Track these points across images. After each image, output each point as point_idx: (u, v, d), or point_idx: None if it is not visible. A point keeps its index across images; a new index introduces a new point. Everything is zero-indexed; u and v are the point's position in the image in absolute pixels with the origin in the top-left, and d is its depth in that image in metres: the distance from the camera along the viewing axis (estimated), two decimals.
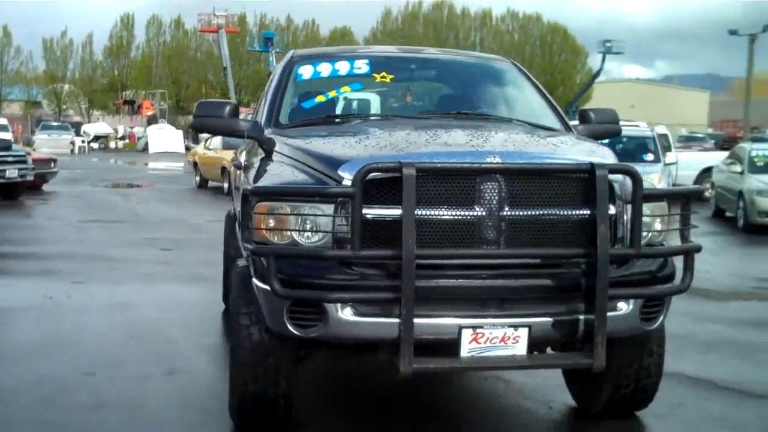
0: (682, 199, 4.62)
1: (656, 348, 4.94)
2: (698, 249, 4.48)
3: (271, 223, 4.28)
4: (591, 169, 4.18)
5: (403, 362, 4.04)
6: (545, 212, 4.24)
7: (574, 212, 4.27)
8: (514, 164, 4.23)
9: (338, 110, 5.70)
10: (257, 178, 4.77)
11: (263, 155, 5.26)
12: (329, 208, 4.18)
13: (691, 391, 5.82)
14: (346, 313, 4.14)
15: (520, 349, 4.22)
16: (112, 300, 8.52)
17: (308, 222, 4.24)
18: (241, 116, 5.63)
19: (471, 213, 4.16)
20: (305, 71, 5.92)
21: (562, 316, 4.26)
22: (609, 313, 4.18)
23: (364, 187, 4.02)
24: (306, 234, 4.24)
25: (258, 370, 4.61)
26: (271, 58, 62.95)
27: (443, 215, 4.13)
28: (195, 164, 23.61)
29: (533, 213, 4.22)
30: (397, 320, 4.08)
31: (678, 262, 4.52)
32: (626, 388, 5.00)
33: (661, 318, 4.55)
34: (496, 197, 4.16)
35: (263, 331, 4.56)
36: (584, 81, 69.96)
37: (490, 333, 4.18)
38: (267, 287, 4.23)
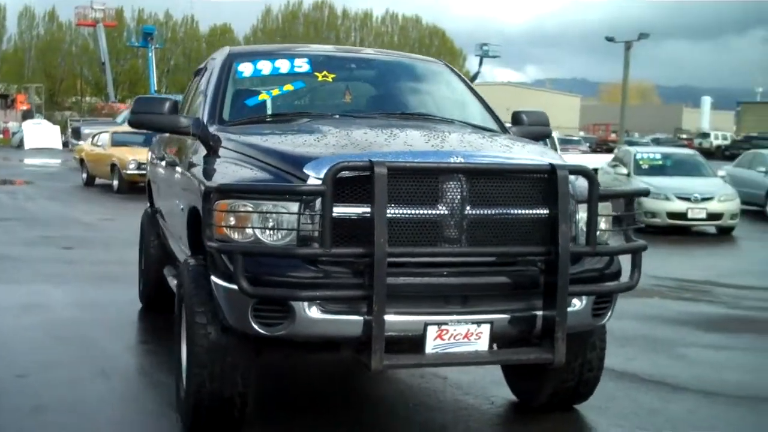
0: (626, 199, 4.81)
1: (599, 342, 5.13)
2: (645, 248, 4.68)
3: (233, 221, 4.26)
4: (552, 169, 4.31)
5: (375, 359, 4.08)
6: (506, 211, 4.35)
7: (533, 211, 4.39)
8: (479, 164, 4.34)
9: (282, 108, 5.67)
10: (212, 175, 4.72)
11: (206, 153, 5.22)
12: (294, 206, 4.19)
13: (620, 384, 6.04)
14: (313, 311, 4.15)
15: (483, 344, 4.32)
16: (26, 300, 8.26)
17: (272, 220, 4.23)
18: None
19: (436, 212, 4.23)
20: (245, 69, 5.87)
21: (521, 312, 4.37)
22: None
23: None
24: (269, 232, 4.24)
25: (215, 369, 4.57)
26: (150, 54, 61.78)
27: (410, 214, 4.18)
28: (81, 161, 22.97)
29: (495, 212, 4.32)
30: (363, 317, 4.13)
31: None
32: (570, 382, 5.17)
33: (609, 314, 4.72)
34: (459, 196, 4.24)
35: (220, 330, 4.53)
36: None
37: (454, 329, 4.26)
38: (231, 285, 4.21)
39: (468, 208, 4.26)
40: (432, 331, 4.24)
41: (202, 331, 4.56)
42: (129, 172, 19.85)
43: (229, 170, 4.65)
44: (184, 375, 4.99)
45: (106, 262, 10.67)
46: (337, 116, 5.49)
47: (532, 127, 6.09)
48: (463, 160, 4.32)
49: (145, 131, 24.54)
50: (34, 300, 8.29)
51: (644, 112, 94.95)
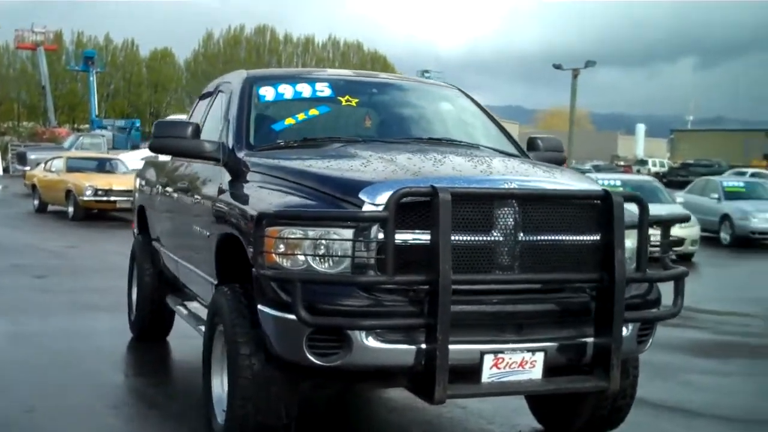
0: (664, 225, 4.83)
1: (632, 370, 5.11)
2: (687, 274, 4.70)
3: (284, 248, 4.16)
4: (607, 195, 4.30)
5: (438, 389, 4.00)
6: (559, 237, 4.32)
7: (585, 237, 4.37)
8: (537, 190, 4.33)
9: (309, 133, 5.58)
10: (253, 201, 4.59)
11: (234, 178, 5.12)
12: (349, 233, 4.11)
13: (640, 411, 6.00)
14: (371, 341, 4.07)
15: (537, 373, 4.28)
16: (14, 330, 8.02)
17: (326, 247, 4.14)
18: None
19: (492, 238, 4.18)
20: (267, 92, 5.79)
21: (572, 339, 4.34)
22: None
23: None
24: (322, 259, 4.15)
25: (260, 401, 4.45)
26: (91, 78, 60.88)
27: (468, 240, 4.13)
28: (33, 187, 22.45)
29: (548, 238, 4.30)
30: (421, 346, 4.06)
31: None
32: (604, 410, 5.15)
33: (651, 341, 4.72)
34: (514, 223, 4.21)
35: (264, 361, 4.43)
36: None
37: (510, 358, 4.21)
38: (283, 315, 4.11)
39: (522, 234, 4.23)
40: (488, 360, 4.18)
41: (246, 362, 4.44)
42: (85, 198, 19.43)
43: (272, 196, 4.55)
44: (216, 407, 4.88)
45: (83, 291, 10.40)
46: (368, 141, 5.43)
47: (548, 153, 6.10)
48: (517, 186, 4.30)
49: (100, 156, 24.38)
50: (23, 330, 8.06)
51: (580, 139, 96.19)
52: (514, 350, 4.22)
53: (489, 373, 4.20)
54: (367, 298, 4.10)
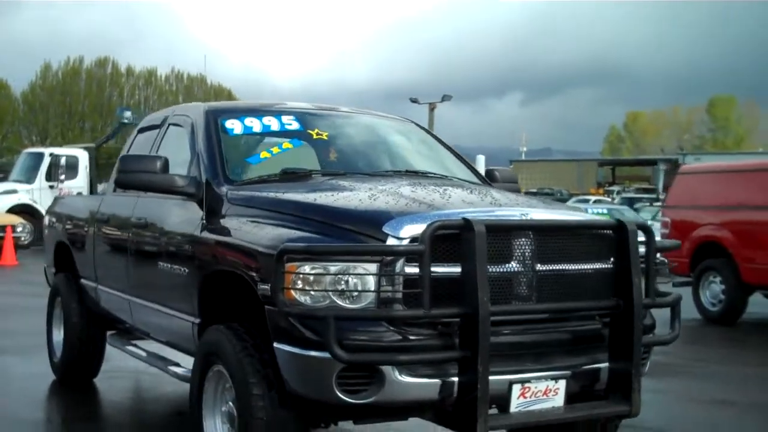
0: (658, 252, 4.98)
1: None
2: (681, 298, 4.86)
3: (305, 284, 4.05)
4: (621, 225, 4.40)
5: (481, 422, 3.96)
6: (574, 267, 4.39)
7: (598, 266, 4.46)
8: (557, 222, 4.41)
9: (286, 166, 5.46)
10: (265, 237, 4.42)
11: (220, 214, 4.95)
12: (373, 267, 4.04)
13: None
14: (403, 376, 4.00)
15: (559, 401, 4.31)
16: None
17: (349, 282, 4.05)
18: None
19: (513, 269, 4.21)
20: (234, 126, 5.65)
21: (589, 366, 4.40)
22: None
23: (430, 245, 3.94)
24: (344, 295, 4.05)
25: None
26: None
27: (494, 272, 4.14)
28: None
29: (564, 268, 4.36)
30: (452, 379, 4.03)
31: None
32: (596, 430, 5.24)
33: (648, 363, 4.84)
34: (530, 253, 4.25)
35: (278, 402, 4.28)
36: None
37: (535, 387, 4.23)
38: (309, 353, 4.01)
39: (538, 264, 4.27)
40: (516, 390, 4.18)
41: (260, 403, 4.29)
42: None
43: (279, 231, 4.39)
44: None
45: None
46: (352, 174, 5.37)
47: (506, 184, 6.21)
48: (532, 217, 4.35)
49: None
50: None
51: None
52: (538, 379, 4.24)
53: (516, 402, 4.20)
54: (396, 333, 4.04)
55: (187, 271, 5.11)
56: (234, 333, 4.50)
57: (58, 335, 7.83)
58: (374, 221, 4.20)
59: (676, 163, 47.90)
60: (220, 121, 5.64)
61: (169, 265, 5.36)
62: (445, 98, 44.23)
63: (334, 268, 4.03)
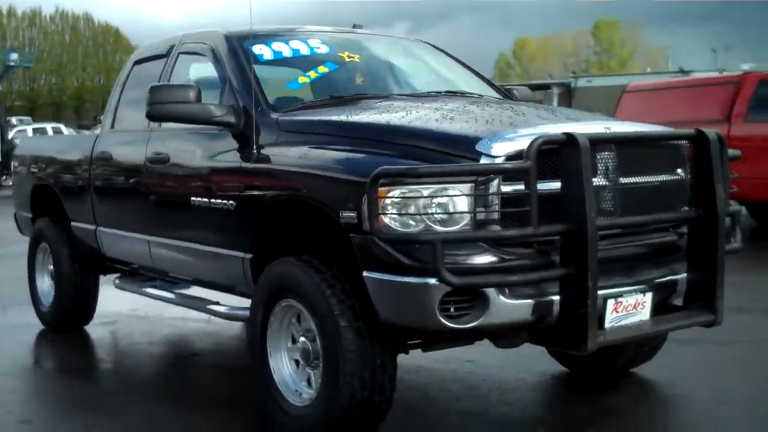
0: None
1: None
2: (742, 208, 4.88)
3: (400, 208, 3.89)
4: (701, 134, 4.35)
5: (591, 338, 3.90)
6: (653, 179, 4.35)
7: (675, 177, 4.43)
8: (640, 133, 4.36)
9: (326, 91, 5.24)
10: (348, 162, 4.19)
11: (275, 142, 4.72)
12: (467, 188, 3.90)
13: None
14: (506, 298, 3.89)
15: (646, 314, 4.27)
16: None
17: (444, 205, 3.90)
18: None
19: (602, 183, 4.13)
20: (263, 51, 5.38)
21: (669, 277, 4.39)
22: None
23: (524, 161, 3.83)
24: (441, 218, 3.90)
25: (365, 375, 4.17)
26: None
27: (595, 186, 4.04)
28: None
29: (645, 180, 4.30)
30: (553, 298, 3.96)
31: None
32: (647, 345, 5.28)
33: None
34: (615, 167, 4.18)
35: (365, 331, 4.15)
36: None
37: (626, 301, 4.18)
38: (410, 279, 3.86)
39: (621, 177, 4.21)
40: (610, 305, 4.12)
41: (348, 335, 4.14)
42: None
43: (360, 155, 4.20)
44: (284, 389, 4.53)
45: None
46: (402, 96, 5.20)
47: (528, 102, 6.12)
48: (614, 130, 4.27)
49: None
50: None
51: None
52: (629, 292, 4.20)
53: (610, 318, 4.15)
54: (497, 254, 3.93)
55: (234, 204, 4.86)
56: (309, 265, 4.32)
57: (43, 282, 7.50)
58: (465, 141, 4.04)
59: (568, 87, 48.59)
60: (247, 47, 5.36)
61: (207, 200, 5.09)
62: (355, 26, 43.48)
63: (427, 191, 3.88)
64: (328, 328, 4.19)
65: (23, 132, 30.03)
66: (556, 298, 3.96)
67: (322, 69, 5.32)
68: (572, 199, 3.88)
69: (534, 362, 5.70)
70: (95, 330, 7.30)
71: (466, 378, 5.59)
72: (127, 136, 6.20)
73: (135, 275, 6.57)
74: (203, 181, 5.20)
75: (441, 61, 6.13)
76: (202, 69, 5.84)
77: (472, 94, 5.53)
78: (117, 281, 6.57)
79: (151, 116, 5.00)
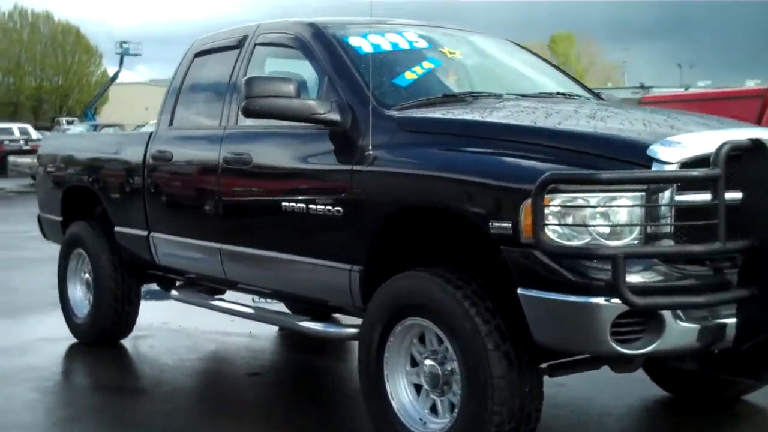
0: None
1: None
2: None
3: (568, 218, 3.49)
4: None
5: None
6: None
7: None
8: None
9: (435, 90, 4.82)
10: (500, 167, 3.79)
11: (395, 143, 4.28)
12: (638, 197, 3.50)
13: None
14: (682, 321, 3.50)
15: None
16: None
17: (612, 215, 3.51)
18: None
19: None
20: (360, 44, 4.93)
21: None
22: None
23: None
24: (607, 230, 3.51)
25: (514, 403, 3.75)
26: None
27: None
28: None
29: None
30: (727, 321, 3.57)
31: None
32: None
33: None
34: None
35: (515, 355, 3.74)
36: (101, 82, 68.86)
37: None
38: (578, 299, 3.45)
39: None
40: None
41: (497, 358, 3.72)
42: None
43: (513, 160, 3.77)
44: (403, 416, 4.10)
45: None
46: (521, 96, 4.81)
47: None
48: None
49: None
50: None
51: None
52: None
53: None
54: (669, 272, 3.54)
55: (342, 211, 4.41)
56: (446, 279, 3.89)
57: (76, 292, 6.99)
58: (633, 145, 3.66)
59: None
60: (343, 39, 4.92)
61: (304, 206, 4.63)
62: None
63: (593, 199, 3.48)
64: (471, 351, 3.76)
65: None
66: (730, 321, 3.57)
67: (427, 65, 4.88)
68: (757, 211, 3.50)
69: (626, 386, 5.30)
70: (132, 344, 6.81)
71: (571, 403, 5.17)
72: (192, 135, 5.71)
73: (192, 286, 6.08)
74: (299, 184, 4.75)
75: (531, 60, 5.73)
76: (283, 63, 5.42)
77: (582, 96, 5.14)
78: (175, 292, 6.06)
79: (249, 111, 4.52)
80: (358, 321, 4.62)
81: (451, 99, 4.67)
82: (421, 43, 5.08)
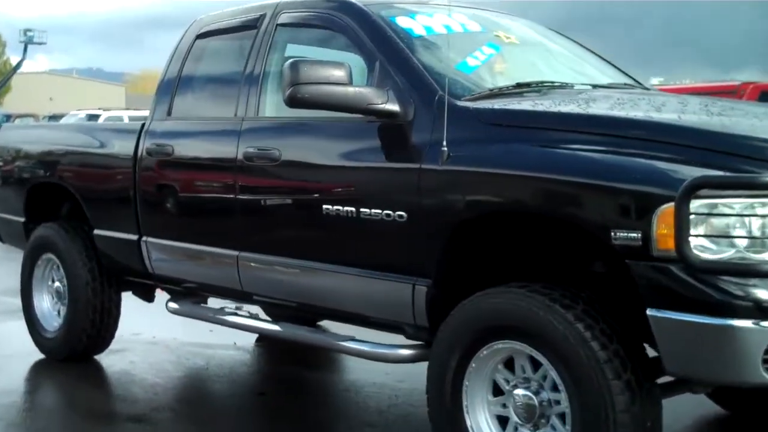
0: None
1: None
2: None
3: (707, 228, 3.00)
4: None
5: None
6: None
7: None
8: None
9: (497, 78, 4.27)
10: (616, 167, 3.25)
11: (476, 137, 3.70)
12: None
13: None
14: None
15: None
16: None
17: (755, 224, 3.03)
18: None
19: None
20: (410, 25, 4.35)
21: None
22: None
23: None
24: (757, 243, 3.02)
25: None
26: None
27: None
28: None
29: None
30: None
31: None
32: None
33: None
34: None
35: (637, 385, 3.23)
36: (3, 72, 66.43)
37: None
38: (734, 322, 2.95)
39: None
40: None
41: (618, 390, 3.20)
42: None
43: (636, 159, 3.25)
44: None
45: None
46: (583, 86, 4.30)
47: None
48: None
49: None
50: None
51: None
52: None
53: None
54: None
55: (406, 216, 3.82)
56: (550, 298, 3.35)
57: (43, 303, 6.24)
58: None
59: None
60: (389, 20, 4.33)
61: (352, 210, 4.02)
62: None
63: (738, 206, 2.99)
64: (588, 381, 3.23)
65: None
66: None
67: (487, 50, 4.32)
68: None
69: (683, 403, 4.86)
70: (109, 360, 6.08)
71: None
72: (199, 127, 5.04)
73: (188, 296, 5.41)
74: (345, 185, 4.14)
75: (572, 46, 5.19)
76: (305, 48, 4.82)
77: (650, 88, 4.67)
78: (174, 305, 5.36)
79: (295, 99, 3.88)
80: (412, 342, 4.11)
81: (524, 88, 4.11)
82: (474, 26, 4.53)
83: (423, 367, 3.82)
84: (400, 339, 4.22)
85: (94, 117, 21.81)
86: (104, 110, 25.52)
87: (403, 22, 4.33)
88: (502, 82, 4.19)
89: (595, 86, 4.37)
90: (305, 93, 3.85)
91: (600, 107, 3.71)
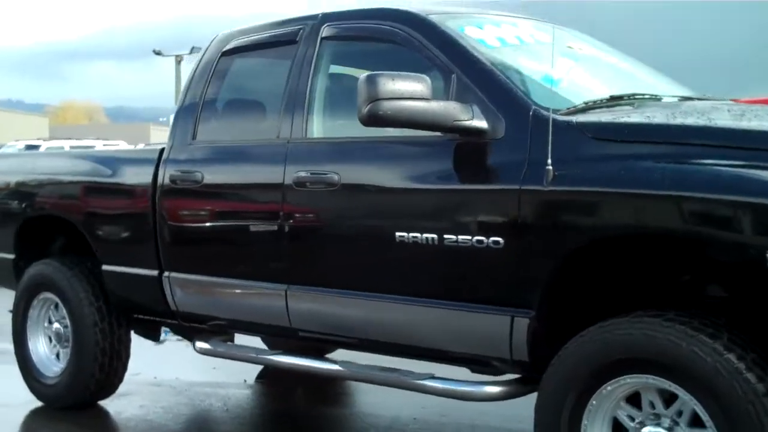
0: None
1: None
2: None
3: None
4: None
5: None
6: None
7: None
8: None
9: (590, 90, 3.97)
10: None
11: (579, 156, 3.37)
12: None
13: None
14: None
15: None
16: None
17: None
18: None
19: None
20: (482, 36, 4.02)
21: None
22: None
23: None
24: None
25: None
26: None
27: None
28: None
29: None
30: None
31: None
32: None
33: None
34: None
35: None
36: None
37: None
38: None
39: None
40: None
41: None
42: None
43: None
44: None
45: None
46: (670, 97, 4.04)
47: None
48: None
49: None
50: None
51: (111, 132, 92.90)
52: None
53: None
54: None
55: (504, 242, 3.47)
56: (691, 327, 3.03)
57: (39, 347, 5.71)
58: None
59: None
60: (458, 29, 4.00)
61: (434, 237, 3.65)
62: (193, 50, 40.07)
63: None
64: (744, 416, 2.90)
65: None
66: None
67: (566, 62, 4.02)
68: None
69: None
70: (115, 405, 5.59)
71: None
72: (234, 151, 4.62)
73: (217, 335, 4.97)
74: (424, 210, 3.77)
75: (624, 57, 4.93)
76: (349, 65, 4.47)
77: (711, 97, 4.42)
78: (201, 344, 4.90)
79: (375, 117, 3.50)
80: (497, 378, 3.77)
81: (618, 101, 3.81)
82: (544, 37, 4.22)
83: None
84: (474, 375, 3.89)
85: (33, 147, 20.96)
86: (44, 140, 24.62)
87: (472, 32, 4.01)
88: (589, 94, 3.86)
89: (682, 98, 4.10)
90: (387, 110, 3.48)
91: (721, 118, 3.42)
